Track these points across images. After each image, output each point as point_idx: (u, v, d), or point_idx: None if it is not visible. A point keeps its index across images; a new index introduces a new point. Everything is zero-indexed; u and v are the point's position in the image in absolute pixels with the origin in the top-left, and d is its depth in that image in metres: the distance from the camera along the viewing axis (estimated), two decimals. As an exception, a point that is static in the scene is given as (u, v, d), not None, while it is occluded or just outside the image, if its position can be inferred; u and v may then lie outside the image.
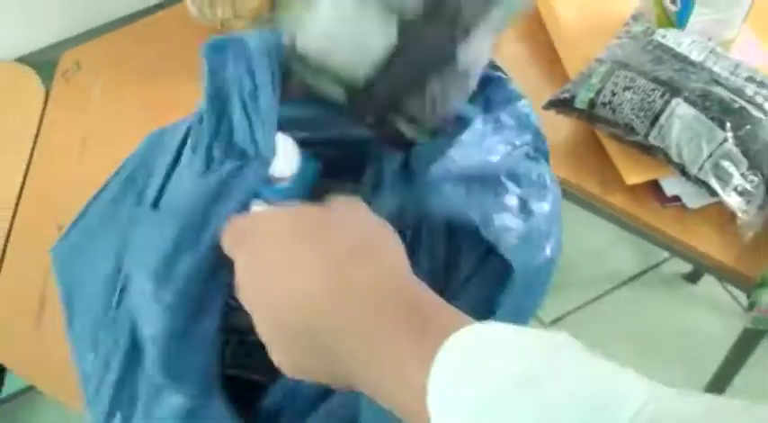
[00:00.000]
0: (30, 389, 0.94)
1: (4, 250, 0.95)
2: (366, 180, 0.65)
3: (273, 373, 0.58)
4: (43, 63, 1.16)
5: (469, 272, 0.60)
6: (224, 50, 0.60)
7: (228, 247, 0.52)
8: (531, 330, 0.43)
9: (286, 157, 0.66)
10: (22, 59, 1.17)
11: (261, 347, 0.56)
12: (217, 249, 0.54)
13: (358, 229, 0.51)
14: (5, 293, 0.91)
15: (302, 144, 0.66)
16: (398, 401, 0.45)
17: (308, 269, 0.48)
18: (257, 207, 0.55)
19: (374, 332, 0.45)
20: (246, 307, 0.51)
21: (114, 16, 1.19)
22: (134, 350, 0.58)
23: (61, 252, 0.67)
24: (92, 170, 1.00)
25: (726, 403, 0.36)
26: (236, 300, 0.53)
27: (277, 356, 0.50)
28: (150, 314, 0.54)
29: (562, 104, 0.94)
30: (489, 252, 0.59)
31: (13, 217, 0.98)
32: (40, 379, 0.83)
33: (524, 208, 0.60)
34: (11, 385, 0.94)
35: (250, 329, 0.56)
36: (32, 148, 1.06)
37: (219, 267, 0.54)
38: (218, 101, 0.61)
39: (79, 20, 1.18)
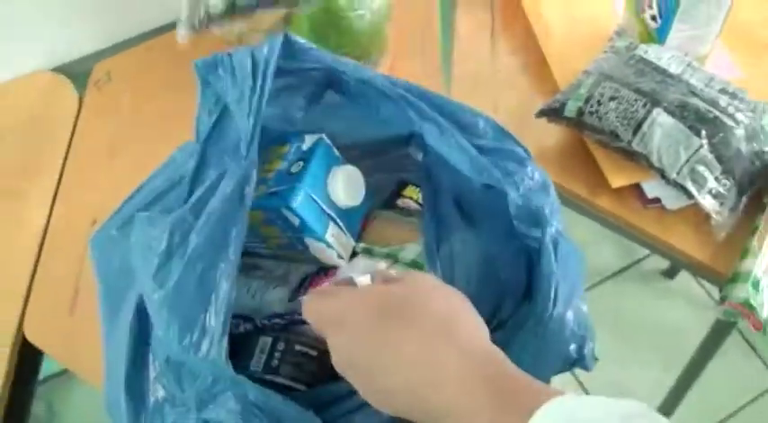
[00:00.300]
0: (64, 372, 0.94)
1: (42, 244, 0.95)
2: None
3: (314, 384, 0.58)
4: (78, 73, 1.16)
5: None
6: (214, 65, 0.60)
7: (316, 324, 0.53)
8: (613, 400, 0.44)
9: (358, 188, 0.67)
10: (58, 69, 1.17)
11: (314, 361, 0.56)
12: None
13: (438, 304, 0.51)
14: (43, 284, 0.91)
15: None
16: None
17: (402, 350, 0.49)
18: (362, 278, 0.55)
19: (468, 408, 0.46)
20: (349, 380, 0.51)
21: (142, 30, 1.19)
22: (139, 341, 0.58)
23: (98, 242, 0.66)
24: (120, 173, 1.01)
25: None
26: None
27: (376, 406, 0.51)
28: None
29: (552, 113, 0.94)
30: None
31: (50, 213, 0.99)
32: (74, 362, 0.83)
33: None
34: (47, 368, 0.94)
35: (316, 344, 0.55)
36: (67, 151, 1.06)
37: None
38: (211, 108, 0.61)
39: (111, 33, 1.18)
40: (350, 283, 0.55)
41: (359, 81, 0.63)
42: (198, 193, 0.56)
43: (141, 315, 0.58)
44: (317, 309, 0.53)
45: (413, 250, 0.68)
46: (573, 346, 0.58)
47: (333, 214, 0.66)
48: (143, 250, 0.55)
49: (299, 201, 0.63)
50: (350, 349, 0.51)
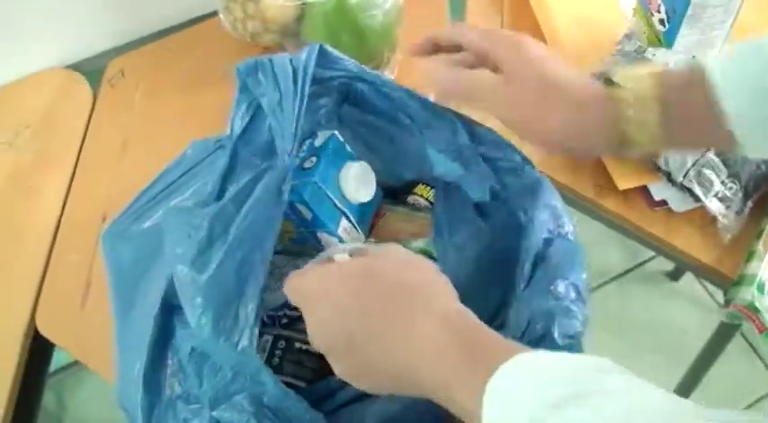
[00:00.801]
0: (75, 364, 0.94)
1: (54, 239, 0.96)
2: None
3: (315, 380, 0.58)
4: (92, 70, 1.16)
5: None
6: (255, 69, 0.61)
7: (294, 300, 0.54)
8: (576, 356, 0.44)
9: (369, 184, 0.67)
10: (73, 66, 1.18)
11: (315, 357, 0.56)
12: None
13: (412, 274, 0.52)
14: (55, 278, 0.92)
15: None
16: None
17: (379, 321, 0.49)
18: (339, 255, 0.55)
19: (446, 375, 0.46)
20: (327, 357, 0.52)
21: (156, 28, 1.19)
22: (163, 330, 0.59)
23: (110, 237, 0.67)
24: (130, 169, 1.01)
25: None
26: (296, 310, 0.54)
27: (353, 383, 0.51)
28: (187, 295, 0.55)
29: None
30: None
31: (63, 208, 0.99)
32: (85, 355, 0.83)
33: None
34: (57, 361, 0.94)
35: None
36: (80, 147, 1.06)
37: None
38: (244, 111, 0.62)
39: (124, 32, 1.18)
40: (329, 261, 0.56)
41: (379, 92, 0.66)
42: (237, 186, 0.58)
43: (166, 309, 0.58)
44: (294, 285, 0.53)
45: (422, 242, 0.69)
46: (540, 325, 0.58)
47: (345, 209, 0.66)
48: (180, 239, 0.56)
49: (312, 195, 0.63)
50: (327, 324, 0.51)
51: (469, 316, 0.49)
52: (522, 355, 0.43)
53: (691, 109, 0.57)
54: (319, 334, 0.51)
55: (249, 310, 0.53)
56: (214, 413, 0.53)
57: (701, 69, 0.55)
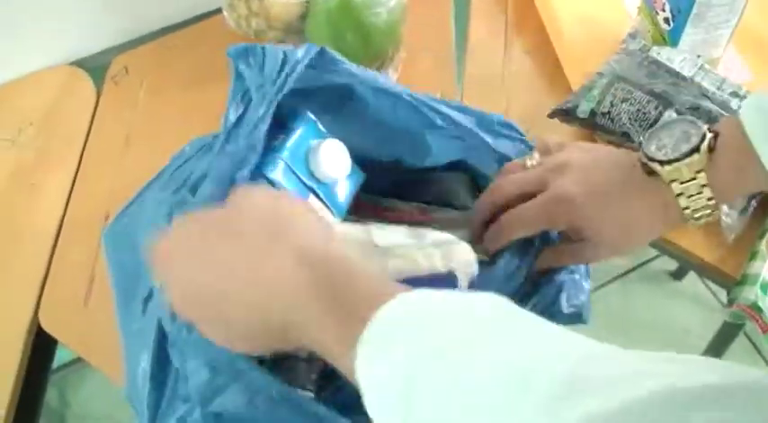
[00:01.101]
0: (77, 360, 0.94)
1: (58, 236, 0.96)
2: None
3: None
4: (96, 67, 1.16)
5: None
6: (246, 53, 0.61)
7: (152, 264, 0.50)
8: (459, 296, 0.41)
9: (341, 162, 0.66)
10: (77, 63, 1.18)
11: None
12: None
13: (264, 212, 0.47)
14: (59, 274, 0.92)
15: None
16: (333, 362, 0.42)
17: (232, 268, 0.45)
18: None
19: (311, 321, 0.42)
20: (190, 319, 0.48)
21: (160, 26, 1.19)
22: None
23: (110, 234, 0.67)
24: (134, 166, 1.01)
25: (654, 357, 0.34)
26: None
27: (232, 347, 0.48)
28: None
29: (565, 113, 0.93)
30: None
31: (66, 205, 0.99)
32: (88, 352, 0.83)
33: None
34: (59, 357, 0.94)
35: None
36: (84, 144, 1.06)
37: None
38: (239, 102, 0.62)
39: (128, 29, 1.19)
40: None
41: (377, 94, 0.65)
42: (197, 173, 0.59)
43: None
44: (151, 248, 0.50)
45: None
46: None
47: (314, 186, 0.65)
48: (150, 229, 0.56)
49: (276, 171, 0.62)
50: (182, 283, 0.47)
51: (338, 254, 0.45)
52: (402, 296, 0.39)
53: (740, 182, 0.57)
54: (176, 296, 0.47)
55: None
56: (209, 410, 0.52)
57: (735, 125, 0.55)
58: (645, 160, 0.58)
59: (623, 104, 0.88)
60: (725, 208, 0.86)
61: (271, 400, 0.49)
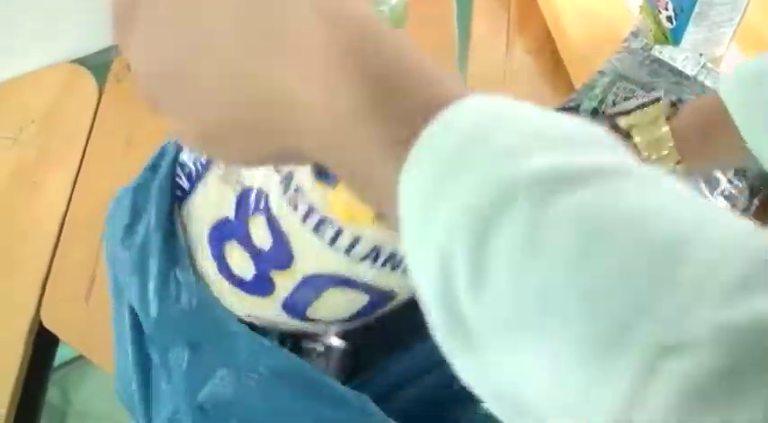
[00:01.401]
0: (79, 358, 0.94)
1: (60, 234, 0.96)
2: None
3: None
4: (98, 65, 1.16)
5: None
6: None
7: (113, 34, 0.37)
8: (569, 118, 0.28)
9: None
10: (79, 61, 1.17)
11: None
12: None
13: None
14: (60, 272, 0.92)
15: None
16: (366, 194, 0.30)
17: (219, 16, 0.31)
18: None
19: (330, 110, 0.28)
20: (161, 108, 0.36)
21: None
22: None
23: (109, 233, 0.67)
24: (136, 164, 1.00)
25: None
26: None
27: (205, 150, 0.36)
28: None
29: (568, 112, 0.93)
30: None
31: (68, 203, 0.99)
32: (89, 349, 0.83)
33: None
34: (61, 355, 0.94)
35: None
36: (86, 142, 1.06)
37: None
38: None
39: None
40: None
41: None
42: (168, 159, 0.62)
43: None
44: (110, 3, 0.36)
45: None
46: None
47: None
48: (113, 219, 0.57)
49: None
50: (147, 48, 0.34)
51: (379, 26, 0.30)
52: (472, 100, 0.27)
53: (707, 143, 0.56)
54: (141, 72, 0.35)
55: (185, 274, 0.53)
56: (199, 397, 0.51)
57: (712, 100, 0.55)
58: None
59: (625, 103, 0.88)
60: (728, 207, 0.86)
61: (262, 377, 0.48)
